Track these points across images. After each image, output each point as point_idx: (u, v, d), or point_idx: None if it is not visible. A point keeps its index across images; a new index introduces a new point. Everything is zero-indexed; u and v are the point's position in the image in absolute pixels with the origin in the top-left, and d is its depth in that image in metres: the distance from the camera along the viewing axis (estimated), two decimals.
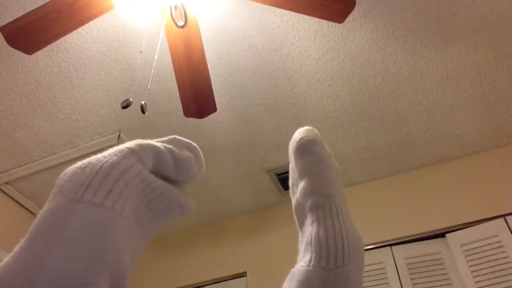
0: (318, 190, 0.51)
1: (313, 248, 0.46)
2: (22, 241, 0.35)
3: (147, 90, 2.07)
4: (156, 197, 0.43)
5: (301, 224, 0.53)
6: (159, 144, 0.45)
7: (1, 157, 2.48)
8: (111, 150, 0.42)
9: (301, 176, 0.53)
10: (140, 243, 0.41)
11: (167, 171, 0.45)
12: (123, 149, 0.42)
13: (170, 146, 0.46)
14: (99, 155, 0.41)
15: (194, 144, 0.50)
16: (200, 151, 0.51)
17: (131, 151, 0.42)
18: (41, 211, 0.37)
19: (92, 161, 0.40)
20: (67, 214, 0.34)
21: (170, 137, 0.49)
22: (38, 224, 0.36)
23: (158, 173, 0.44)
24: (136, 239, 0.40)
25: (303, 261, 0.47)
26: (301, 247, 0.50)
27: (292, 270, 0.48)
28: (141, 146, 0.43)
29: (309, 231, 0.49)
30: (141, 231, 0.41)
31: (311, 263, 0.45)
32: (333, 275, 0.44)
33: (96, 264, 0.32)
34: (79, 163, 0.41)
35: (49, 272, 0.30)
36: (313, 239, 0.47)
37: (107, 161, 0.39)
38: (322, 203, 0.50)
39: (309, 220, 0.50)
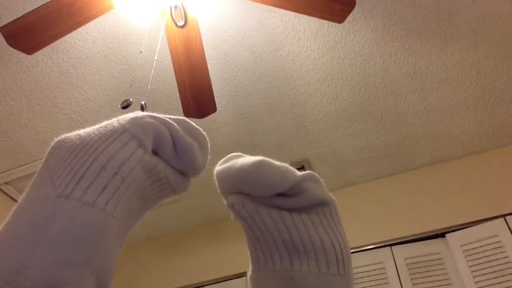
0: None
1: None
2: (1, 229, 0.32)
3: (147, 90, 2.07)
4: (153, 183, 0.40)
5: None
6: (161, 123, 0.41)
7: (1, 157, 2.48)
8: (109, 129, 0.39)
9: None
10: (126, 235, 0.38)
11: (164, 153, 0.40)
12: (122, 132, 0.38)
13: (175, 126, 0.41)
14: (94, 134, 0.38)
15: (203, 132, 0.45)
16: (208, 142, 0.45)
17: (131, 135, 0.38)
18: (26, 194, 0.35)
19: (88, 144, 0.36)
20: (53, 211, 0.31)
21: (179, 117, 0.43)
22: (21, 215, 0.33)
23: (155, 153, 0.40)
24: (124, 233, 0.37)
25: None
26: None
27: None
28: (142, 127, 0.39)
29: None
30: (130, 222, 0.38)
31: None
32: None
33: (82, 269, 0.30)
34: (74, 138, 0.37)
35: (30, 278, 0.28)
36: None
37: (104, 149, 0.36)
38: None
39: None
